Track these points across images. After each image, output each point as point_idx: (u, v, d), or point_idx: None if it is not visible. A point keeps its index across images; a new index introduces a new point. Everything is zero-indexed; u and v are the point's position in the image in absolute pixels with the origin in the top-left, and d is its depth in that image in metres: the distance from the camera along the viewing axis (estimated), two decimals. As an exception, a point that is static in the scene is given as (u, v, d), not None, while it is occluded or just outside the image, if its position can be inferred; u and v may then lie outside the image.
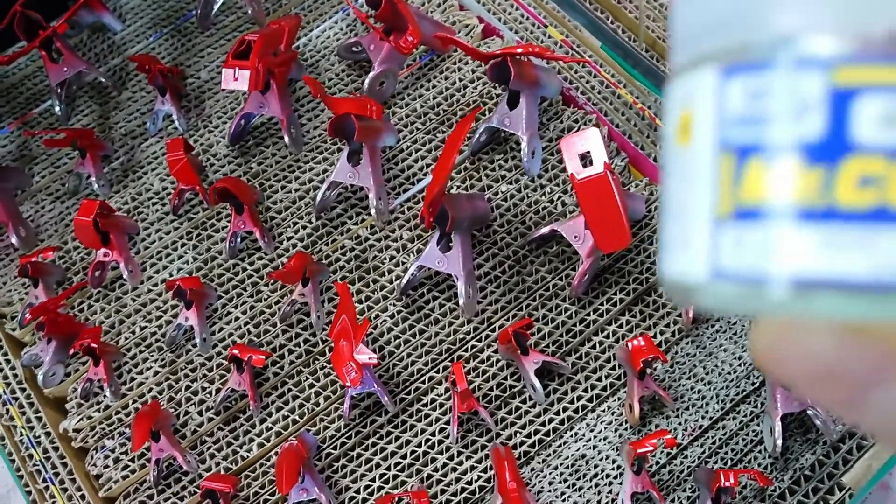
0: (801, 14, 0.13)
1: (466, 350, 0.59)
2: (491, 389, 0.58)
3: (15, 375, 0.63)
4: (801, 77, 0.13)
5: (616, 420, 0.56)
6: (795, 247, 0.13)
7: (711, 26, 0.14)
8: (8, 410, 0.62)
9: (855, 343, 0.14)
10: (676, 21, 0.15)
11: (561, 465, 0.55)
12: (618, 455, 0.55)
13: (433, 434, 0.57)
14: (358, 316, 0.60)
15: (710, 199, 0.14)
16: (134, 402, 0.61)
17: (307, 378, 0.59)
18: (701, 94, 0.14)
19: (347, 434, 0.58)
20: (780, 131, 0.13)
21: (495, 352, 0.58)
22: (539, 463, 0.56)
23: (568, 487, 0.55)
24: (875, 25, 0.12)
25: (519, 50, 0.59)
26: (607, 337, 0.58)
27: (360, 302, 0.61)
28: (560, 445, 0.56)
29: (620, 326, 0.58)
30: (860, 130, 0.12)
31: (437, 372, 0.58)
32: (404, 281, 0.60)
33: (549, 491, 0.55)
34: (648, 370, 0.54)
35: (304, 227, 0.64)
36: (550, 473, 0.55)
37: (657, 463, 0.54)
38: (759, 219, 0.13)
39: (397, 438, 0.57)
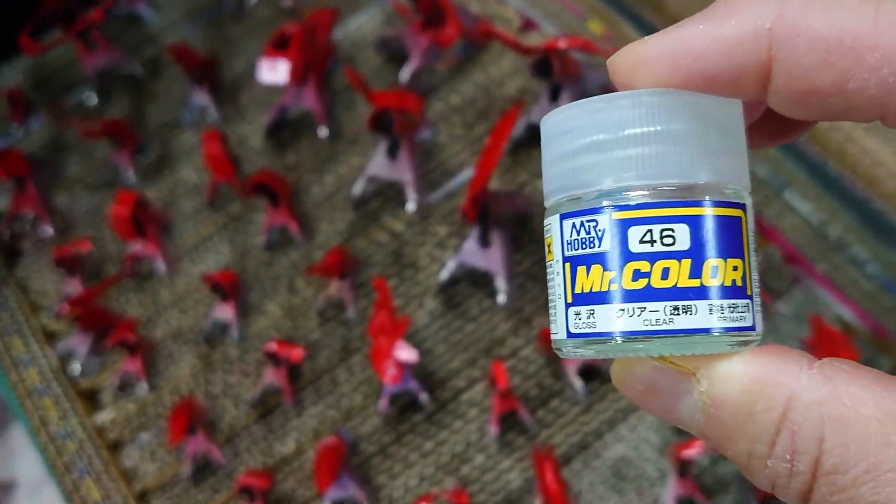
0: (601, 180, 0.21)
1: (505, 349, 0.58)
2: (530, 389, 0.57)
3: (50, 367, 0.62)
4: (600, 217, 0.21)
5: (658, 421, 0.55)
6: (612, 315, 0.21)
7: (554, 190, 0.22)
8: (42, 402, 0.61)
9: (661, 369, 0.21)
10: (543, 183, 0.23)
11: (601, 466, 0.55)
12: (660, 457, 0.54)
13: (472, 433, 0.56)
14: (396, 312, 0.59)
15: (563, 290, 0.22)
16: (169, 394, 0.60)
17: (344, 373, 0.59)
18: (553, 228, 0.22)
19: (385, 431, 0.57)
20: (591, 249, 0.21)
21: (535, 350, 0.58)
22: (579, 464, 0.55)
23: (609, 489, 0.54)
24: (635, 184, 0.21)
25: (562, 43, 0.58)
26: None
27: (397, 297, 0.60)
28: (601, 447, 0.55)
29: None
30: (633, 245, 0.21)
31: (476, 370, 0.58)
32: (443, 277, 0.59)
33: (590, 493, 0.54)
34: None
35: (341, 221, 0.63)
36: (590, 475, 0.54)
37: (701, 466, 0.53)
38: (589, 301, 0.21)
39: (435, 436, 0.57)
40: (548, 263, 0.23)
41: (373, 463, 0.57)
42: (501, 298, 0.58)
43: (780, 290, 0.57)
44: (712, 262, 0.20)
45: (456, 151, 0.65)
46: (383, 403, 0.56)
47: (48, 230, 0.66)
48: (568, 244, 0.22)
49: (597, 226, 0.21)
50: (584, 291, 0.21)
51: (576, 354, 0.22)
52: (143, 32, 0.75)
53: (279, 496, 0.56)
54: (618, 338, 0.21)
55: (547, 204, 0.23)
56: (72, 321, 0.62)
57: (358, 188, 0.63)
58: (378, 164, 0.62)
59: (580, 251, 0.21)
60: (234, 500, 0.57)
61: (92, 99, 0.71)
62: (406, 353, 0.53)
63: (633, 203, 0.21)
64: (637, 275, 0.20)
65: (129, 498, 0.58)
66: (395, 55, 0.69)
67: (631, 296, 0.21)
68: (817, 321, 0.53)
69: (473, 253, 0.58)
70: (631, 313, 0.21)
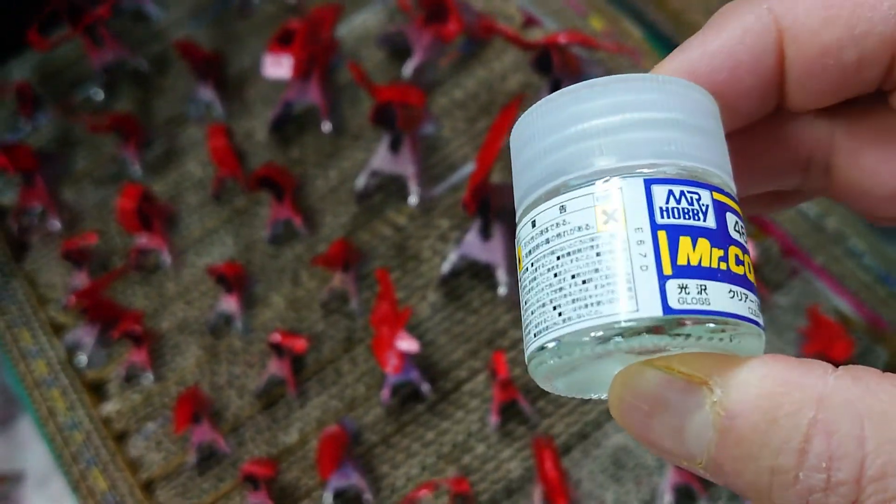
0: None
1: (506, 340, 0.59)
2: (531, 379, 0.57)
3: (57, 358, 0.63)
4: (703, 192, 0.20)
5: (656, 411, 0.56)
6: (724, 295, 0.19)
7: (636, 153, 0.20)
8: (50, 393, 0.62)
9: (669, 379, 0.19)
10: (599, 144, 0.21)
11: (601, 455, 0.55)
12: (658, 446, 0.55)
13: (473, 423, 0.57)
14: (399, 304, 0.60)
15: (655, 260, 0.19)
16: (175, 385, 0.61)
17: (347, 364, 0.60)
18: (624, 193, 0.20)
19: (387, 421, 0.58)
20: (697, 222, 0.20)
21: (535, 341, 0.58)
22: (579, 453, 0.55)
23: (608, 478, 0.55)
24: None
25: (563, 38, 0.58)
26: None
27: (399, 290, 0.61)
28: (600, 436, 0.56)
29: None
30: (731, 230, 0.20)
31: (477, 361, 0.58)
32: (445, 269, 0.60)
33: (589, 481, 0.55)
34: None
35: (344, 215, 0.64)
36: (590, 464, 0.55)
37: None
38: (699, 275, 0.19)
39: (437, 426, 0.57)
40: (603, 234, 0.19)
41: (375, 452, 0.57)
42: (502, 290, 0.59)
43: (778, 282, 0.58)
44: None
45: (458, 146, 0.65)
46: (385, 394, 0.57)
47: (56, 224, 0.67)
48: (663, 211, 0.19)
49: (700, 199, 0.19)
50: (692, 264, 0.19)
51: (681, 337, 0.19)
52: (149, 29, 0.76)
53: (283, 485, 0.57)
54: (729, 321, 0.19)
55: (605, 163, 0.20)
56: (79, 313, 0.63)
57: (361, 182, 0.63)
58: (381, 158, 0.62)
59: (682, 220, 0.19)
60: (239, 489, 0.57)
61: (99, 94, 0.72)
62: (407, 343, 0.54)
63: (725, 189, 0.20)
64: (737, 261, 0.19)
65: (134, 487, 0.58)
66: (397, 51, 0.70)
67: (737, 279, 0.19)
68: (813, 312, 0.53)
69: (475, 245, 0.58)
70: (739, 297, 0.19)
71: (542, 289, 0.20)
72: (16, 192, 0.69)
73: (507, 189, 0.59)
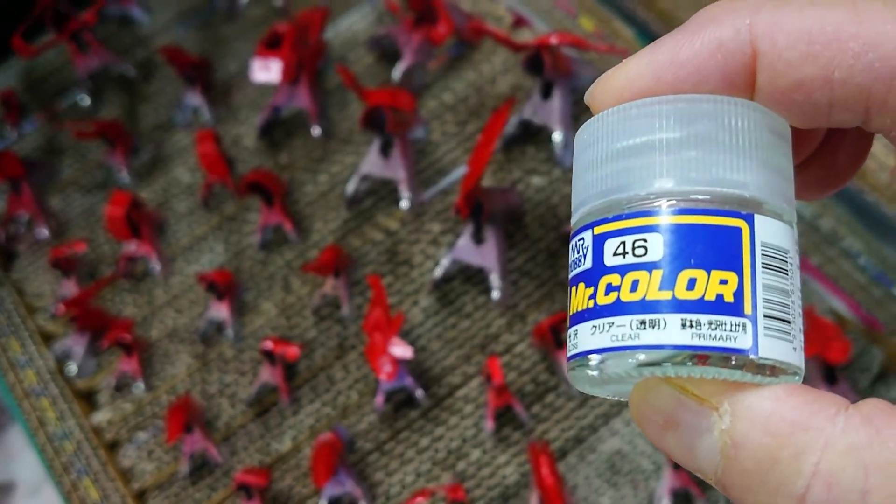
0: (587, 200, 0.21)
1: (500, 345, 0.58)
2: (525, 384, 0.57)
3: (47, 368, 0.63)
4: (586, 234, 0.20)
5: (652, 414, 0.55)
6: (587, 333, 0.20)
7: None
8: (40, 402, 0.62)
9: (682, 400, 0.19)
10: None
11: (597, 460, 0.55)
12: (655, 451, 0.54)
13: (467, 428, 0.57)
14: (391, 309, 0.59)
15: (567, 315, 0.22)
16: (166, 394, 0.61)
17: (339, 371, 0.59)
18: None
19: (381, 428, 0.57)
20: (579, 268, 0.21)
21: (530, 346, 0.58)
22: (575, 458, 0.55)
23: (604, 483, 0.54)
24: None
25: (554, 39, 0.58)
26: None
27: (391, 295, 0.60)
28: (596, 441, 0.55)
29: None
30: (608, 259, 0.20)
31: (471, 366, 0.58)
32: (437, 274, 0.59)
33: (585, 486, 0.54)
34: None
35: (335, 220, 0.64)
36: (586, 469, 0.55)
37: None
38: (573, 321, 0.21)
39: (431, 433, 0.57)
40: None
41: (369, 460, 0.57)
42: (496, 295, 0.58)
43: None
44: (690, 274, 0.19)
45: (449, 149, 0.65)
46: (379, 400, 0.56)
47: (43, 232, 0.66)
48: (569, 267, 0.21)
49: (583, 243, 0.20)
50: (572, 313, 0.21)
51: (577, 381, 0.21)
52: (135, 34, 0.75)
53: (276, 494, 0.57)
54: (591, 357, 0.20)
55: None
56: (68, 322, 0.62)
57: (351, 186, 0.63)
58: (371, 163, 0.62)
59: (574, 271, 0.21)
60: (232, 499, 0.57)
61: (85, 100, 0.72)
62: (401, 349, 0.53)
63: (609, 216, 0.20)
64: (609, 289, 0.20)
65: (127, 497, 0.58)
66: (387, 53, 0.69)
67: (602, 311, 0.20)
68: (809, 313, 0.53)
69: (467, 250, 0.58)
70: (602, 329, 0.20)
71: None
72: (2, 200, 0.68)
73: (500, 193, 0.59)
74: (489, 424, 0.56)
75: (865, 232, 0.58)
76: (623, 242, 0.19)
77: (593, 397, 0.56)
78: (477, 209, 0.56)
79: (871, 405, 0.17)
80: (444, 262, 0.59)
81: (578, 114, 0.64)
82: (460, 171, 0.63)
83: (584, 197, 0.21)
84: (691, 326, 0.19)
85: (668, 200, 0.20)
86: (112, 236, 0.64)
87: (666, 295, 0.19)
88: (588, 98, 0.22)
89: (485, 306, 0.59)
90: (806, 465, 0.17)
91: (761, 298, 0.19)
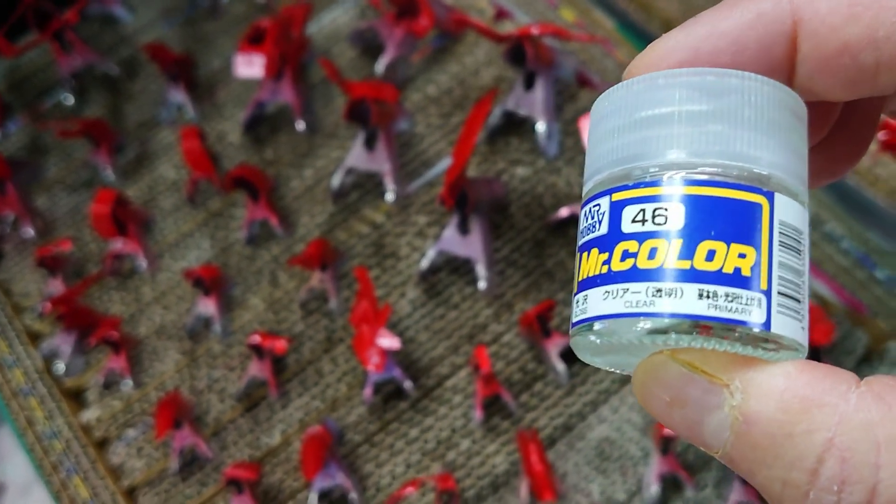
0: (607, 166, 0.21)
1: (487, 334, 0.59)
2: (513, 373, 0.57)
3: (34, 367, 0.62)
4: (602, 201, 0.20)
5: (640, 401, 0.56)
6: (598, 299, 0.20)
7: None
8: (28, 402, 0.61)
9: (691, 376, 0.19)
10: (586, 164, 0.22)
11: (585, 447, 0.55)
12: (643, 437, 0.55)
13: (457, 419, 0.57)
14: (378, 302, 0.59)
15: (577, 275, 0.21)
16: (154, 390, 0.61)
17: (328, 364, 0.59)
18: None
19: (370, 420, 0.57)
20: (594, 233, 0.21)
21: (517, 336, 0.58)
22: (563, 446, 0.55)
23: (593, 470, 0.54)
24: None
25: (535, 30, 0.58)
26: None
27: (379, 288, 0.61)
28: (584, 428, 0.56)
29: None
30: (625, 226, 0.20)
31: (459, 357, 0.58)
32: (423, 265, 0.59)
33: (575, 474, 0.54)
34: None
35: (321, 214, 0.64)
36: (575, 457, 0.55)
37: (683, 444, 0.54)
38: (583, 287, 0.21)
39: (420, 423, 0.57)
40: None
41: (359, 452, 0.57)
42: (482, 285, 0.58)
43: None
44: (709, 245, 0.19)
45: (433, 141, 0.65)
46: (367, 392, 0.57)
47: (29, 231, 0.66)
48: (580, 232, 0.21)
49: (599, 209, 0.20)
50: (582, 278, 0.21)
51: (590, 346, 0.21)
52: (118, 32, 0.75)
53: (267, 488, 0.57)
54: (596, 323, 0.20)
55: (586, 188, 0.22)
56: (55, 321, 0.62)
57: (336, 180, 0.63)
58: (356, 156, 0.62)
59: (586, 237, 0.21)
60: (222, 494, 0.57)
61: (69, 99, 0.71)
62: (388, 340, 0.54)
63: (629, 184, 0.20)
64: (625, 255, 0.19)
65: (117, 494, 0.58)
66: (369, 48, 0.69)
67: (617, 277, 0.19)
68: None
69: (453, 240, 0.58)
70: (615, 295, 0.19)
71: None
72: (-13, 200, 0.68)
73: (485, 183, 0.59)
74: (478, 414, 0.56)
75: (848, 216, 0.58)
76: (643, 210, 0.19)
77: (582, 385, 0.56)
78: (462, 199, 0.56)
79: (883, 382, 0.18)
80: (431, 254, 0.59)
81: (561, 104, 0.64)
82: (445, 163, 0.63)
83: (602, 164, 0.21)
84: (708, 297, 0.19)
85: (690, 172, 0.19)
86: (98, 234, 0.64)
87: (684, 264, 0.19)
88: (626, 74, 0.22)
89: (472, 297, 0.60)
90: (819, 440, 0.17)
91: (777, 276, 0.19)
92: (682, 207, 0.19)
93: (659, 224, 0.19)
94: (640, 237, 0.19)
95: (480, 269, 0.58)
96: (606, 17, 0.67)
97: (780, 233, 0.19)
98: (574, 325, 0.21)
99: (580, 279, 0.21)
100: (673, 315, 0.19)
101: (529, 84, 0.61)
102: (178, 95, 0.69)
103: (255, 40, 0.63)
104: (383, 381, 0.57)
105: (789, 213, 0.20)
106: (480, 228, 0.58)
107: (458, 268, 0.60)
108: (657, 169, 0.20)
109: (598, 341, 0.20)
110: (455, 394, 0.57)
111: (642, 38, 0.66)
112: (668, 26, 0.66)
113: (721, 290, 0.19)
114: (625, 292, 0.19)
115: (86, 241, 0.66)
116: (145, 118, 0.71)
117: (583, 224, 0.21)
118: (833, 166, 0.25)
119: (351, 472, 0.56)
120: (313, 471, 0.53)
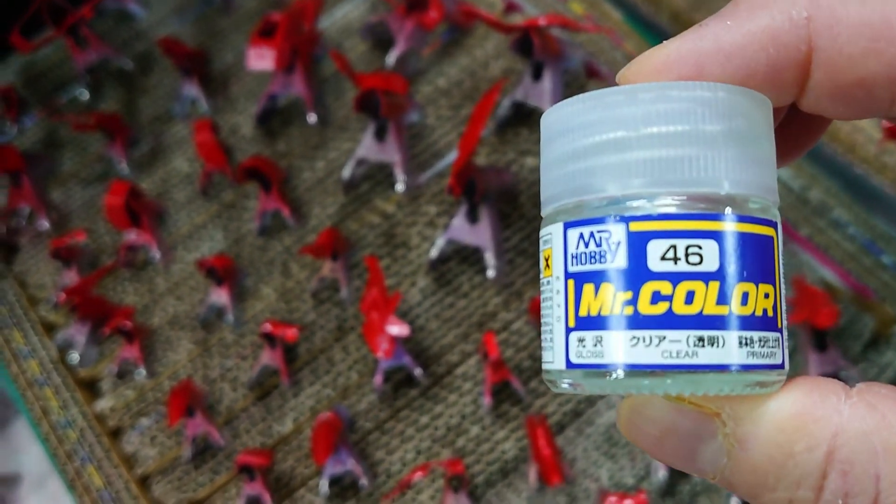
0: (616, 185, 0.18)
1: (497, 322, 0.59)
2: (523, 360, 0.58)
3: (49, 358, 0.63)
4: (614, 228, 0.18)
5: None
6: (622, 344, 0.18)
7: (556, 195, 0.20)
8: (43, 392, 0.62)
9: (680, 409, 0.19)
10: (541, 187, 0.21)
11: (594, 433, 0.55)
12: (651, 422, 0.55)
13: (466, 405, 0.57)
14: (388, 291, 0.60)
15: (564, 312, 0.19)
16: (167, 380, 0.61)
17: (339, 353, 0.60)
18: (554, 239, 0.19)
19: (381, 407, 0.58)
20: (601, 264, 0.18)
21: (526, 323, 0.59)
22: (572, 431, 0.56)
23: (602, 456, 0.55)
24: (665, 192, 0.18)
25: (542, 21, 0.59)
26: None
27: (389, 277, 0.61)
28: (593, 414, 0.56)
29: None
30: (652, 263, 0.18)
31: (469, 345, 0.59)
32: (433, 255, 0.60)
33: (584, 459, 0.55)
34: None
35: (332, 205, 0.64)
36: (584, 442, 0.55)
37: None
38: (596, 325, 0.18)
39: (430, 410, 0.57)
40: (543, 280, 0.20)
41: (370, 439, 0.57)
42: (491, 273, 0.59)
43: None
44: (743, 288, 0.18)
45: (444, 133, 0.66)
46: (378, 380, 0.57)
47: (44, 224, 0.67)
48: (573, 258, 0.19)
49: (609, 237, 0.18)
50: (591, 315, 0.18)
51: (574, 390, 0.19)
52: (132, 28, 0.76)
53: (279, 475, 0.57)
54: (620, 371, 0.18)
55: (545, 212, 0.20)
56: (69, 311, 0.63)
57: (347, 171, 0.64)
58: (367, 147, 0.62)
59: (588, 266, 0.18)
60: (235, 481, 0.57)
61: (84, 94, 0.72)
62: (397, 327, 0.54)
63: (654, 213, 0.18)
64: (657, 297, 0.18)
65: (130, 483, 0.58)
66: (380, 41, 0.70)
67: (649, 322, 0.18)
68: (799, 282, 0.54)
69: (462, 229, 0.59)
70: (647, 342, 0.18)
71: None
72: (3, 194, 0.69)
73: (494, 172, 0.60)
74: (487, 400, 0.56)
75: (854, 202, 0.58)
76: (674, 247, 0.18)
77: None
78: (470, 188, 0.57)
79: (874, 391, 0.18)
80: (440, 243, 0.60)
81: (569, 95, 0.64)
82: (455, 155, 0.64)
83: (607, 180, 0.19)
84: (747, 344, 0.18)
85: (724, 206, 0.18)
86: (112, 226, 0.65)
87: (723, 310, 0.17)
88: (620, 78, 0.21)
89: (481, 285, 0.60)
90: (820, 455, 0.17)
91: (783, 310, 0.19)
92: (716, 245, 0.18)
93: (694, 264, 0.17)
94: (675, 278, 0.18)
95: (489, 258, 0.59)
96: (615, 8, 0.68)
97: (782, 262, 0.19)
98: (577, 366, 0.19)
99: (582, 315, 0.18)
100: (721, 367, 0.17)
101: (537, 75, 0.61)
102: (192, 89, 0.70)
103: (266, 34, 0.64)
104: (394, 368, 0.57)
105: (780, 238, 0.19)
106: (489, 217, 0.58)
107: (468, 257, 0.61)
108: (691, 198, 0.18)
109: (618, 391, 0.19)
110: (465, 381, 0.58)
111: (650, 30, 0.66)
112: (676, 18, 0.66)
113: (756, 335, 0.18)
114: (661, 340, 0.17)
115: (100, 234, 0.67)
116: (159, 112, 0.71)
117: (575, 249, 0.19)
118: (785, 154, 0.24)
119: (361, 459, 0.56)
120: (324, 456, 0.54)
